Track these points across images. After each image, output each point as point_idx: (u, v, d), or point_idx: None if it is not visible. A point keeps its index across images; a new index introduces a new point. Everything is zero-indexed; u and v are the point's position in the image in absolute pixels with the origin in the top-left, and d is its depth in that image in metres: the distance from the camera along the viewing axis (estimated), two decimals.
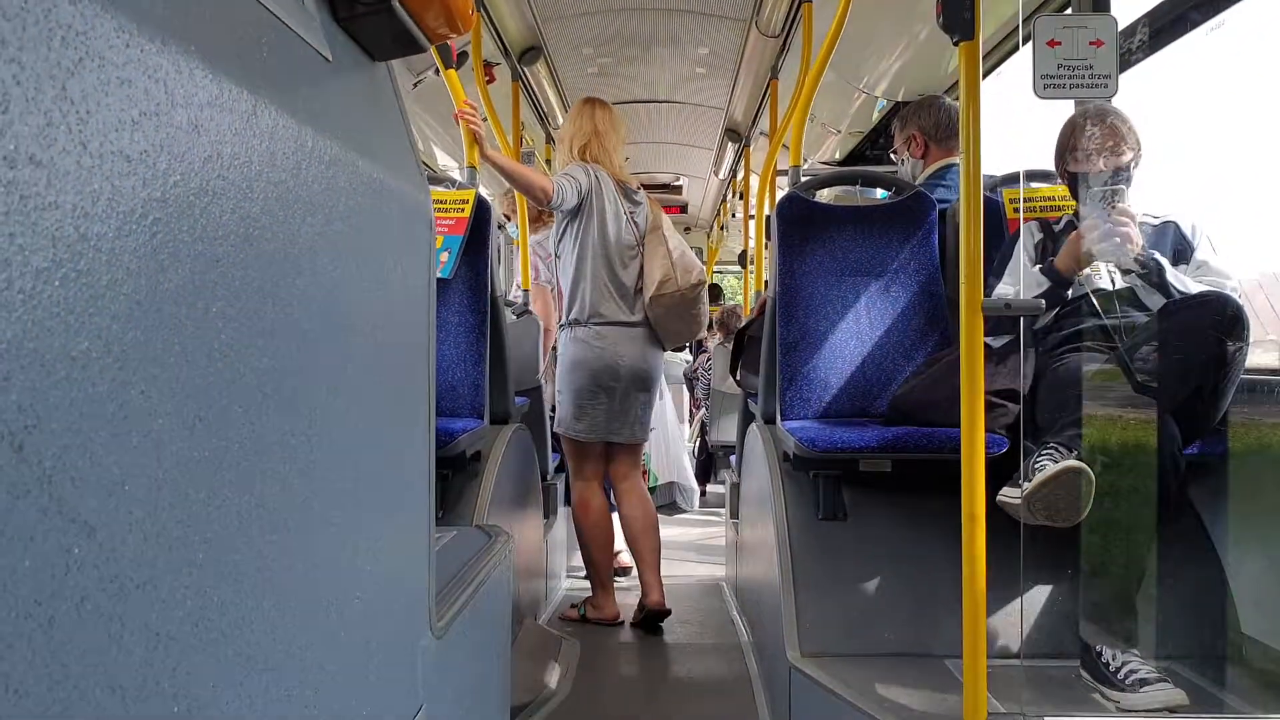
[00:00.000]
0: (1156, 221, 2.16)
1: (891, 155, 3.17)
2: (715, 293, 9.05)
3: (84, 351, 0.40)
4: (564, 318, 3.19)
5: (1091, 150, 2.09)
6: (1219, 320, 1.82)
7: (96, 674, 0.41)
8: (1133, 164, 2.09)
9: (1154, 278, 2.03)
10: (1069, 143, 2.14)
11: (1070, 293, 2.12)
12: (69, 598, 0.39)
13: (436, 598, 1.02)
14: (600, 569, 3.20)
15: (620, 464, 3.26)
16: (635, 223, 3.14)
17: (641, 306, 3.10)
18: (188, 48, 0.50)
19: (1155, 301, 2.04)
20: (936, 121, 2.94)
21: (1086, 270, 2.09)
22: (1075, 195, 2.18)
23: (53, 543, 0.38)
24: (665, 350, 3.30)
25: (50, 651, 0.37)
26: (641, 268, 3.11)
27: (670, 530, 4.84)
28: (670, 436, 4.82)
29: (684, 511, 4.89)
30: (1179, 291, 2.01)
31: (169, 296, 0.47)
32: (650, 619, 3.10)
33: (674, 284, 3.04)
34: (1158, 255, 2.05)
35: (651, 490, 4.49)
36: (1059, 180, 2.46)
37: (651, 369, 3.20)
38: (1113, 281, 2.11)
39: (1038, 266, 2.13)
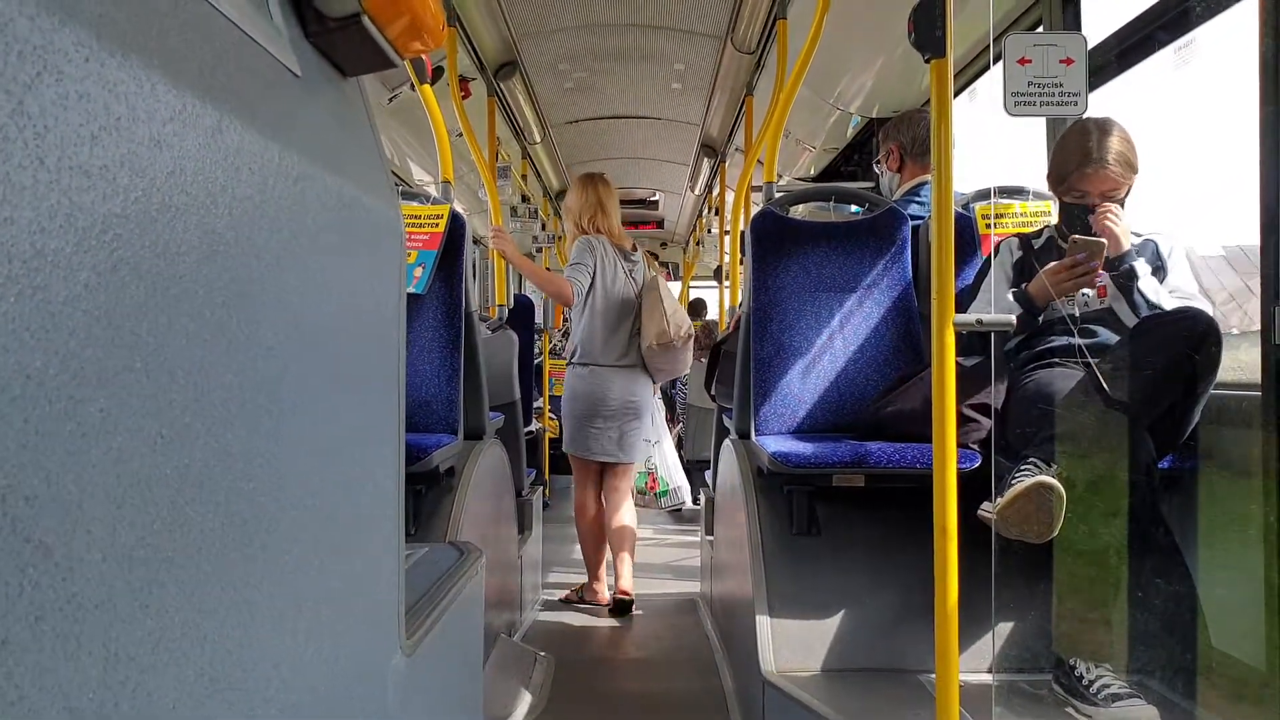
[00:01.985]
0: (1138, 240, 2.15)
1: (875, 166, 3.16)
2: (698, 308, 9.04)
3: (39, 369, 0.40)
4: (570, 359, 3.76)
5: (1090, 194, 2.07)
6: (1191, 335, 1.83)
7: (52, 695, 0.40)
8: (1127, 192, 2.08)
9: (1124, 281, 2.02)
10: (1067, 177, 2.10)
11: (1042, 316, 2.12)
12: (23, 618, 0.38)
13: (407, 615, 1.01)
14: (591, 562, 3.79)
15: (611, 479, 3.78)
16: (633, 278, 3.68)
17: (634, 349, 3.65)
18: (150, 62, 0.50)
19: (1131, 321, 2.03)
20: (914, 136, 2.87)
21: (1061, 300, 2.08)
22: (1063, 218, 2.16)
23: (6, 563, 0.37)
24: (655, 384, 3.85)
25: (3, 673, 0.37)
26: (638, 316, 3.65)
27: (645, 549, 4.92)
28: (666, 448, 5.48)
29: (684, 503, 5.51)
30: (1148, 302, 2.01)
31: (129, 312, 0.47)
32: (620, 605, 3.62)
33: (667, 337, 3.56)
34: (1134, 263, 2.02)
35: (664, 494, 5.37)
36: (1029, 196, 2.47)
37: (639, 400, 3.71)
38: (1086, 304, 2.11)
39: (1011, 292, 2.13)
